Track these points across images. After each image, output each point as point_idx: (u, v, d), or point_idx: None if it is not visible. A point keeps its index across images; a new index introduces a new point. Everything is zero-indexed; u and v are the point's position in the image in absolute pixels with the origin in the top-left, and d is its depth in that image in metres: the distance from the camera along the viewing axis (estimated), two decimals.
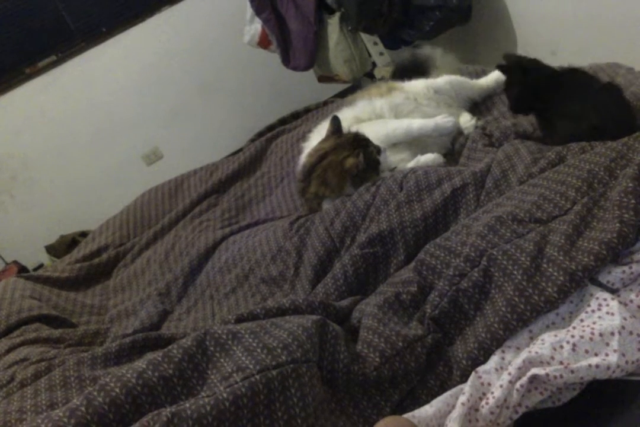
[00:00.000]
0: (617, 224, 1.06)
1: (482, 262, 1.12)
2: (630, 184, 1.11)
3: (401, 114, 1.93)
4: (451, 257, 1.20)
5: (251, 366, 0.97)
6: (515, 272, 1.07)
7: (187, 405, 0.91)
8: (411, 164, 1.78)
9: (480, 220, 1.26)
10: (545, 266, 1.06)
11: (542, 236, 1.12)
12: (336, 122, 1.82)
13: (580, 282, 1.02)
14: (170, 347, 1.05)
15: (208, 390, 0.97)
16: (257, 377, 0.95)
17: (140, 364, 1.01)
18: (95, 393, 0.95)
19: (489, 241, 1.15)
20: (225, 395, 0.92)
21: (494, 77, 2.06)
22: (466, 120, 1.96)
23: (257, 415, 0.93)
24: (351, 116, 1.96)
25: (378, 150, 1.75)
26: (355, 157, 1.71)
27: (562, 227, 1.12)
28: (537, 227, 1.16)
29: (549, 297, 1.02)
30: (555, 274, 1.04)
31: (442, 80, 2.06)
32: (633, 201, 1.09)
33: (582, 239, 1.09)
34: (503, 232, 1.17)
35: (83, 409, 0.92)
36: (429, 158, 1.79)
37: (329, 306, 1.24)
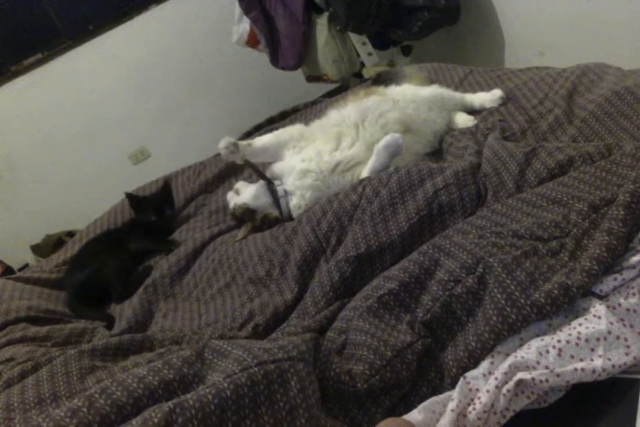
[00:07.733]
0: (606, 237, 1.08)
1: (477, 270, 1.12)
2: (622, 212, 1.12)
3: (373, 115, 1.88)
4: (445, 259, 1.20)
5: (249, 359, 0.99)
6: (508, 282, 1.07)
7: (188, 396, 0.92)
8: (372, 158, 1.78)
9: (478, 229, 1.26)
10: (540, 281, 1.07)
11: (540, 254, 1.13)
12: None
13: (573, 298, 1.03)
14: (169, 357, 1.07)
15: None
16: (256, 369, 0.96)
17: (140, 370, 1.02)
18: (96, 395, 0.95)
19: (487, 251, 1.15)
20: (225, 384, 0.93)
21: (486, 98, 1.99)
22: (466, 119, 1.95)
23: (259, 405, 0.94)
24: (317, 127, 1.97)
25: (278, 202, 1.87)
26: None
27: (560, 246, 1.14)
28: (537, 244, 1.16)
29: (542, 309, 1.02)
30: (550, 287, 1.04)
31: (426, 93, 2.01)
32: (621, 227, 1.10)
33: (577, 259, 1.11)
34: (502, 244, 1.17)
35: (85, 409, 0.92)
36: (388, 140, 1.76)
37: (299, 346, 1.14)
